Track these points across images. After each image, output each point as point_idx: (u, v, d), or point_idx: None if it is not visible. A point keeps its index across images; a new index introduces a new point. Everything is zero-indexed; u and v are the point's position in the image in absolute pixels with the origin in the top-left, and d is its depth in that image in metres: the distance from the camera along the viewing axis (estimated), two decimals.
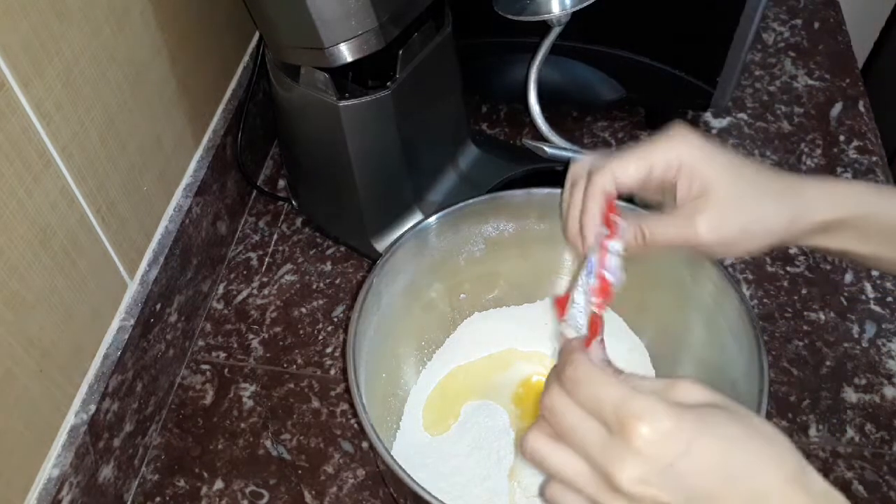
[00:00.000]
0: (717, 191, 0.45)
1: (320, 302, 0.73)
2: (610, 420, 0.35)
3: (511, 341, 0.65)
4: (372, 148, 0.65)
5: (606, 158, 0.47)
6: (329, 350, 0.69)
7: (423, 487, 0.45)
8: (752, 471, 0.34)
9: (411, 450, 0.59)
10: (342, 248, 0.76)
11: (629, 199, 0.49)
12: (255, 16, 0.61)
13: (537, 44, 0.64)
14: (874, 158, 0.81)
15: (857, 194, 0.47)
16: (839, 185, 0.47)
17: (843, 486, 0.60)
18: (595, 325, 0.42)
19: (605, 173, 0.46)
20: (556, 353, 0.53)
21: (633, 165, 0.46)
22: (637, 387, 0.35)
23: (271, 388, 0.67)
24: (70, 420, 0.54)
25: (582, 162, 0.49)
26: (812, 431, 0.63)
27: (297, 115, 0.67)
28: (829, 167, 0.81)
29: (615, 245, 0.45)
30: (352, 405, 0.63)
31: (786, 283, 0.72)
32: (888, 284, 0.71)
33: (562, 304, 0.45)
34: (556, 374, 0.38)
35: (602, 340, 0.41)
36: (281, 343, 0.70)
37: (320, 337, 0.70)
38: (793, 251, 0.74)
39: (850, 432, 0.63)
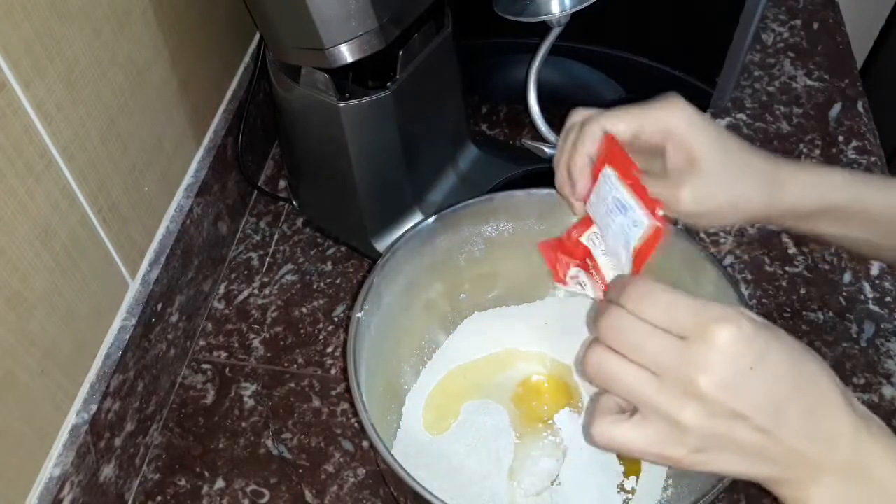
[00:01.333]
0: (703, 163, 0.45)
1: (321, 302, 0.73)
2: (687, 327, 0.35)
3: (511, 341, 0.65)
4: (372, 148, 0.66)
5: (600, 111, 0.48)
6: (329, 350, 0.70)
7: (423, 486, 0.45)
8: (814, 382, 0.35)
9: (411, 449, 0.59)
10: (343, 248, 0.76)
11: None
12: (255, 16, 0.61)
13: (537, 44, 0.64)
14: (873, 159, 0.81)
15: (836, 184, 0.48)
16: (820, 173, 0.48)
17: None
18: (657, 238, 0.42)
19: (595, 124, 0.47)
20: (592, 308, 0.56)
21: (624, 121, 0.47)
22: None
23: (272, 388, 0.67)
24: (71, 419, 0.54)
25: (576, 113, 0.50)
26: None
27: (298, 116, 0.67)
28: None
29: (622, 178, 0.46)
30: (352, 404, 0.64)
31: (784, 283, 0.72)
32: (887, 284, 0.72)
33: (549, 252, 0.50)
34: (613, 298, 0.37)
35: None
36: (282, 343, 0.70)
37: (321, 336, 0.70)
38: (791, 251, 0.74)
39: None
